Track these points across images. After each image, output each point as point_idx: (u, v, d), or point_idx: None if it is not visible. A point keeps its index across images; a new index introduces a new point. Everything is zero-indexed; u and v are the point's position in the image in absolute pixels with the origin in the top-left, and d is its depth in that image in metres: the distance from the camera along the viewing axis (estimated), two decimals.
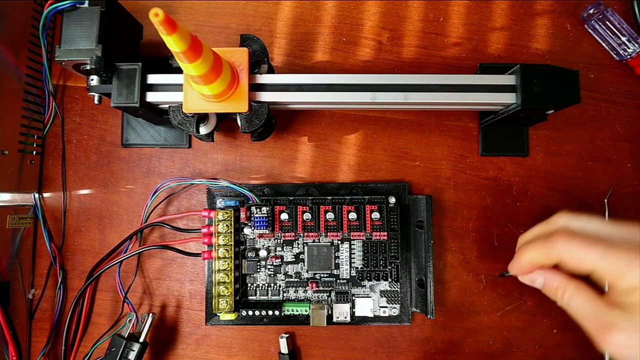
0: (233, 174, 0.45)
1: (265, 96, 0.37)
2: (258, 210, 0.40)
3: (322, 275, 0.42)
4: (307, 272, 0.42)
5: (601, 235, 0.27)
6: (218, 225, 0.39)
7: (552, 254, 0.28)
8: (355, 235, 0.42)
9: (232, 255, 0.39)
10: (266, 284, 0.43)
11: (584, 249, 0.26)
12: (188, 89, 0.35)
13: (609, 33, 0.45)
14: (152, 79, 0.37)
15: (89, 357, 0.41)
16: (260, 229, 0.41)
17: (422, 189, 0.45)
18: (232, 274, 0.39)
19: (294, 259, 0.42)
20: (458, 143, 0.45)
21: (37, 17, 0.43)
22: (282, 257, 0.42)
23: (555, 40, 0.46)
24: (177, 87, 0.37)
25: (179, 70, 0.34)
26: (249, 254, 0.42)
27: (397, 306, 0.42)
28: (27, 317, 0.44)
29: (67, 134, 0.46)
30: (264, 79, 0.37)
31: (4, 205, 0.42)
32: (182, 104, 0.35)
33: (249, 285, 0.43)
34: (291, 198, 0.42)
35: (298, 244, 0.43)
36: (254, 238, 0.43)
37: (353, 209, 0.41)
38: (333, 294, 0.42)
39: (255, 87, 0.37)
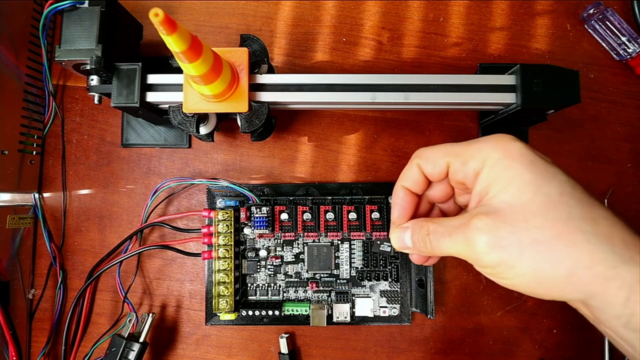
0: (233, 174, 0.45)
1: (265, 96, 0.37)
2: (258, 210, 0.40)
3: (322, 275, 0.42)
4: (307, 272, 0.42)
5: None
6: (218, 225, 0.39)
7: (412, 164, 0.27)
8: (355, 235, 0.42)
9: (232, 255, 0.39)
10: (266, 284, 0.43)
11: (436, 147, 0.27)
12: (188, 89, 0.35)
13: (609, 33, 0.45)
14: (152, 79, 0.37)
15: (89, 357, 0.41)
16: (260, 229, 0.41)
17: None
18: (232, 274, 0.39)
19: (294, 259, 0.42)
20: None
21: (37, 17, 0.43)
22: (282, 257, 0.42)
23: (555, 40, 0.46)
24: (177, 87, 0.37)
25: (179, 70, 0.34)
26: (249, 254, 0.42)
27: (397, 306, 0.42)
28: (27, 317, 0.44)
29: (67, 134, 0.46)
30: (264, 79, 0.37)
31: (4, 205, 0.42)
32: (182, 104, 0.35)
33: (249, 285, 0.43)
34: (291, 198, 0.42)
35: (298, 244, 0.43)
36: (254, 238, 0.43)
37: (353, 209, 0.41)
38: (333, 294, 0.42)
39: (255, 87, 0.37)
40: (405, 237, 0.27)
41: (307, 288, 0.42)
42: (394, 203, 0.29)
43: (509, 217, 0.22)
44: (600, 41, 0.46)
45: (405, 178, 0.28)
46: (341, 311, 0.41)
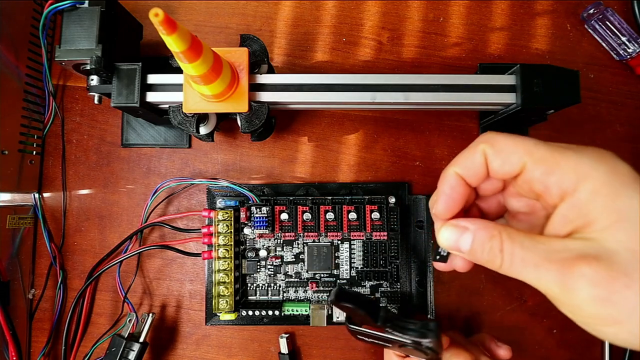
0: (233, 174, 0.45)
1: (265, 96, 0.37)
2: (258, 210, 0.40)
3: (322, 275, 0.42)
4: (307, 272, 0.42)
5: None
6: (218, 225, 0.39)
7: (477, 149, 0.22)
8: (355, 235, 0.42)
9: (232, 255, 0.39)
10: (266, 284, 0.43)
11: (513, 139, 0.22)
12: (188, 89, 0.35)
13: (609, 33, 0.45)
14: (152, 79, 0.37)
15: (89, 357, 0.41)
16: (260, 229, 0.41)
17: (422, 189, 0.45)
18: (232, 274, 0.39)
19: (294, 259, 0.42)
20: (458, 143, 0.45)
21: (37, 17, 0.43)
22: (282, 257, 0.42)
23: (555, 40, 0.46)
24: (177, 87, 0.37)
25: (179, 70, 0.34)
26: (249, 254, 0.42)
27: (397, 306, 0.42)
28: (27, 317, 0.44)
29: (67, 134, 0.46)
30: (264, 79, 0.37)
31: (4, 205, 0.42)
32: (182, 104, 0.35)
33: (249, 285, 0.43)
34: (291, 198, 0.42)
35: (298, 244, 0.43)
36: (254, 238, 0.43)
37: (353, 209, 0.41)
38: None
39: (255, 87, 0.37)
40: (463, 240, 0.22)
41: (307, 288, 0.42)
42: (441, 192, 0.24)
43: (626, 266, 0.18)
44: (600, 41, 0.46)
45: (462, 164, 0.23)
46: (341, 311, 0.41)
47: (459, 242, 0.22)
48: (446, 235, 0.23)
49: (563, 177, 0.20)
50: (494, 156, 0.22)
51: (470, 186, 0.24)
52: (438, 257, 0.26)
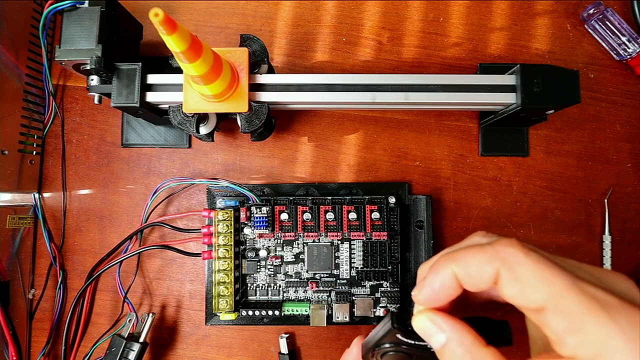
0: (233, 174, 0.45)
1: (265, 96, 0.37)
2: (258, 210, 0.40)
3: (322, 275, 0.42)
4: (307, 272, 0.42)
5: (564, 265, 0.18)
6: (218, 225, 0.39)
7: (488, 265, 0.19)
8: (355, 235, 0.42)
9: (232, 255, 0.39)
10: (266, 284, 0.42)
11: (537, 271, 0.18)
12: (188, 89, 0.35)
13: (609, 33, 0.45)
14: (152, 79, 0.37)
15: (89, 357, 0.41)
16: (260, 229, 0.41)
17: (422, 189, 0.45)
18: (232, 274, 0.39)
19: (294, 259, 0.42)
20: (458, 143, 0.45)
21: (37, 17, 0.43)
22: (282, 257, 0.42)
23: (555, 40, 0.46)
24: (177, 87, 0.37)
25: (179, 70, 0.34)
26: (249, 254, 0.42)
27: (397, 306, 0.42)
28: (27, 317, 0.44)
29: (67, 134, 0.46)
30: (264, 79, 0.37)
31: (4, 205, 0.42)
32: (182, 104, 0.35)
33: (249, 285, 0.43)
34: (291, 198, 0.42)
35: (298, 244, 0.43)
36: (254, 238, 0.43)
37: (353, 209, 0.41)
38: (333, 294, 0.42)
39: (255, 87, 0.37)
40: (435, 339, 0.20)
41: (307, 288, 0.42)
42: (429, 284, 0.21)
43: None
44: (600, 41, 0.46)
45: (466, 268, 0.19)
46: (341, 311, 0.41)
47: (431, 337, 0.21)
48: (420, 326, 0.21)
49: (584, 343, 0.17)
50: (509, 282, 0.18)
51: (465, 289, 0.20)
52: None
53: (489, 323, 0.20)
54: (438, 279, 0.20)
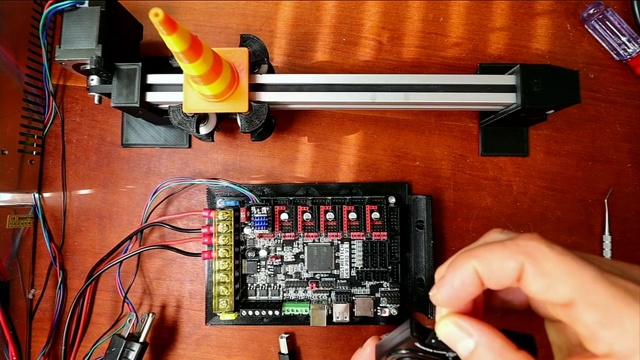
0: (233, 174, 0.45)
1: (265, 96, 0.37)
2: (258, 210, 0.40)
3: (322, 275, 0.42)
4: (307, 272, 0.42)
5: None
6: (218, 225, 0.39)
7: (512, 260, 0.18)
8: (355, 235, 0.42)
9: (232, 255, 0.39)
10: (266, 284, 0.42)
11: (564, 263, 0.17)
12: (188, 89, 0.35)
13: (609, 33, 0.45)
14: (152, 79, 0.37)
15: (89, 357, 0.41)
16: (260, 229, 0.41)
17: (422, 189, 0.45)
18: (232, 274, 0.39)
19: (294, 259, 0.42)
20: (458, 143, 0.45)
21: (37, 17, 0.43)
22: (282, 257, 0.42)
23: (555, 40, 0.46)
24: (177, 87, 0.37)
25: (179, 70, 0.34)
26: (249, 254, 0.42)
27: (397, 306, 0.42)
28: (27, 317, 0.44)
29: (67, 134, 0.46)
30: (264, 79, 0.37)
31: (4, 205, 0.42)
32: (182, 104, 0.35)
33: (249, 285, 0.43)
34: (291, 198, 0.42)
35: (298, 244, 0.43)
36: (254, 238, 0.43)
37: (353, 209, 0.41)
38: (333, 294, 0.42)
39: (255, 87, 0.37)
40: (462, 345, 0.19)
41: (307, 288, 0.42)
42: (448, 282, 0.20)
43: None
44: (600, 41, 0.46)
45: (487, 264, 0.19)
46: (341, 311, 0.41)
47: (458, 344, 0.19)
48: (446, 331, 0.20)
49: (621, 336, 0.16)
50: (535, 277, 0.17)
51: (487, 287, 0.19)
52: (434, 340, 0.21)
53: (513, 336, 0.19)
54: (458, 276, 0.19)
